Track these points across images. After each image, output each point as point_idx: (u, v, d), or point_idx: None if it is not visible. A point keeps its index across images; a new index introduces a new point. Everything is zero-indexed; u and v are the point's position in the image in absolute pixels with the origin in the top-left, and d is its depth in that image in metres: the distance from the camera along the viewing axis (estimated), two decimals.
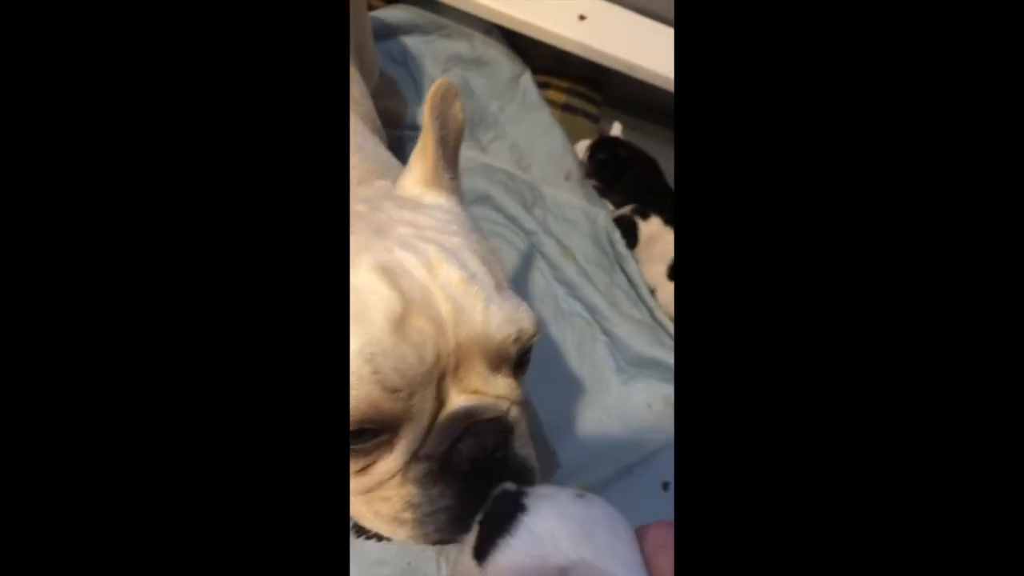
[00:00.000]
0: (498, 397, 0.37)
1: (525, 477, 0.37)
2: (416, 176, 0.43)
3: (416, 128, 1.07)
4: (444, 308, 0.35)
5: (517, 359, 0.38)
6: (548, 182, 1.09)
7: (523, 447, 0.38)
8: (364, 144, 0.58)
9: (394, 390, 0.33)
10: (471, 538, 0.32)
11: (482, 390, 0.36)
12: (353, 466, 0.35)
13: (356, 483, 0.36)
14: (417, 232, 0.38)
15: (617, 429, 0.91)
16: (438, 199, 0.42)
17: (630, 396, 0.94)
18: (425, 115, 0.41)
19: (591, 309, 0.98)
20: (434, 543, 0.36)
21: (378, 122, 0.73)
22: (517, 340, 0.37)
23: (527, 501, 0.31)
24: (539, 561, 0.27)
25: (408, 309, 0.34)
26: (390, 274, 0.35)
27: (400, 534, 0.36)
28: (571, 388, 0.93)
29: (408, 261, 0.36)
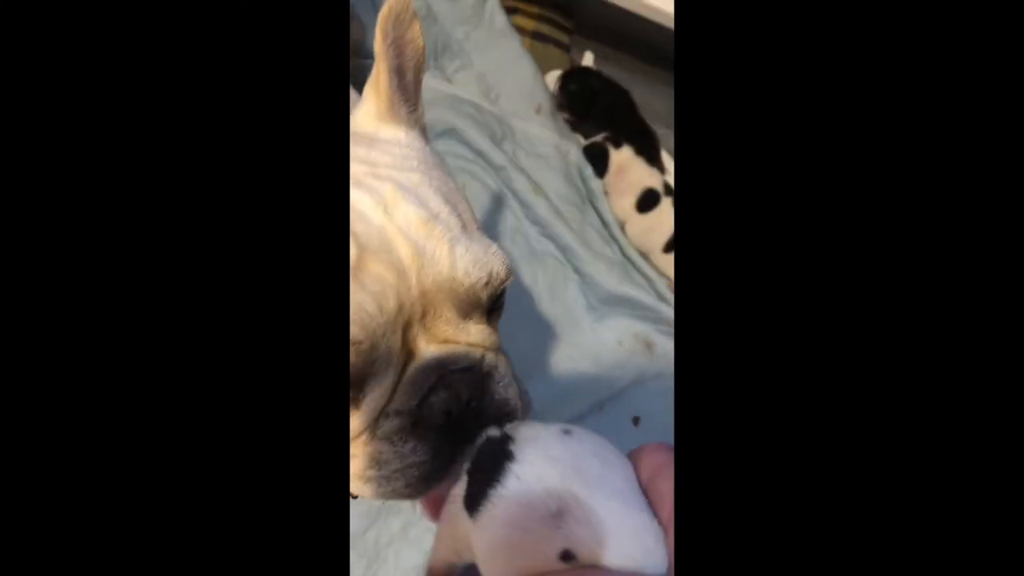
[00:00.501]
0: (471, 344, 0.35)
1: (507, 421, 0.35)
2: (369, 109, 0.39)
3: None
4: (404, 252, 0.32)
5: (489, 304, 0.36)
6: (518, 115, 1.05)
7: (504, 390, 0.36)
8: None
9: (353, 343, 0.30)
10: (460, 489, 0.31)
11: (453, 338, 0.34)
12: None
13: None
14: (371, 170, 0.35)
15: (588, 366, 0.91)
16: (395, 133, 0.39)
17: (601, 334, 0.94)
18: (376, 41, 0.37)
19: (563, 248, 0.97)
20: (403, 499, 0.35)
21: None
22: (488, 284, 0.34)
23: (512, 447, 0.30)
24: (531, 509, 0.27)
25: (363, 255, 0.31)
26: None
27: (366, 492, 0.35)
28: (542, 327, 0.92)
29: (362, 202, 0.33)
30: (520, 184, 0.98)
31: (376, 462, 0.33)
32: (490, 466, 0.29)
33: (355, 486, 0.35)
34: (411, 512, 0.71)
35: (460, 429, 0.33)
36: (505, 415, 0.35)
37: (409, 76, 0.40)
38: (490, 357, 0.36)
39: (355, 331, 0.30)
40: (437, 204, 0.34)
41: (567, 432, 0.30)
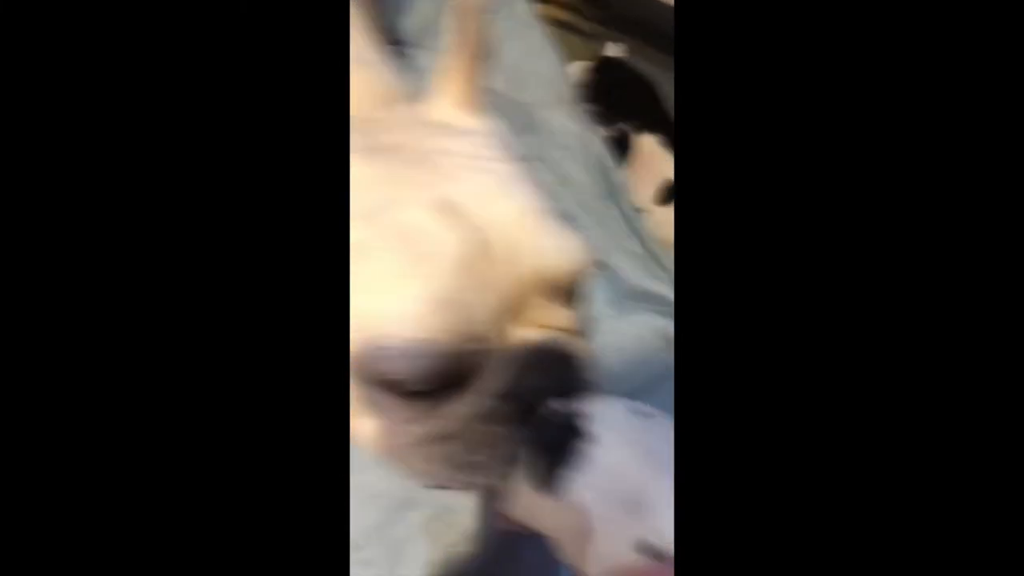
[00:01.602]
0: (560, 329, 0.36)
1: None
2: (446, 99, 0.40)
3: (399, 43, 1.00)
4: (504, 248, 0.33)
5: (575, 290, 0.37)
6: (542, 105, 1.04)
7: (589, 374, 0.38)
8: (373, 59, 0.53)
9: (467, 337, 0.32)
10: (527, 463, 0.32)
11: (545, 323, 0.35)
12: (414, 414, 0.33)
13: (416, 430, 0.34)
14: (463, 162, 0.36)
15: (611, 362, 0.90)
16: (475, 122, 0.40)
17: (624, 329, 0.93)
18: (452, 29, 0.39)
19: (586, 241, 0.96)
20: (497, 484, 0.35)
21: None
22: (571, 271, 0.36)
23: (588, 425, 0.30)
24: (615, 496, 0.27)
25: (470, 254, 0.32)
26: (448, 212, 0.33)
27: (476, 479, 0.35)
28: None
29: (461, 195, 0.34)
30: (544, 175, 0.97)
31: (481, 444, 0.34)
32: (563, 442, 0.29)
33: (461, 477, 0.35)
34: (430, 507, 0.71)
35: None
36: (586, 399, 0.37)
37: (479, 59, 0.41)
38: (576, 341, 0.37)
39: (469, 326, 0.31)
40: (527, 195, 0.36)
41: (643, 413, 0.30)
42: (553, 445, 0.31)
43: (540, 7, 1.11)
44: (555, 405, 0.34)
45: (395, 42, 1.02)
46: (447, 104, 0.40)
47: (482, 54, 0.41)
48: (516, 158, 0.39)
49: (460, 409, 0.34)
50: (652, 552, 0.25)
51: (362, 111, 0.43)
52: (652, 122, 1.07)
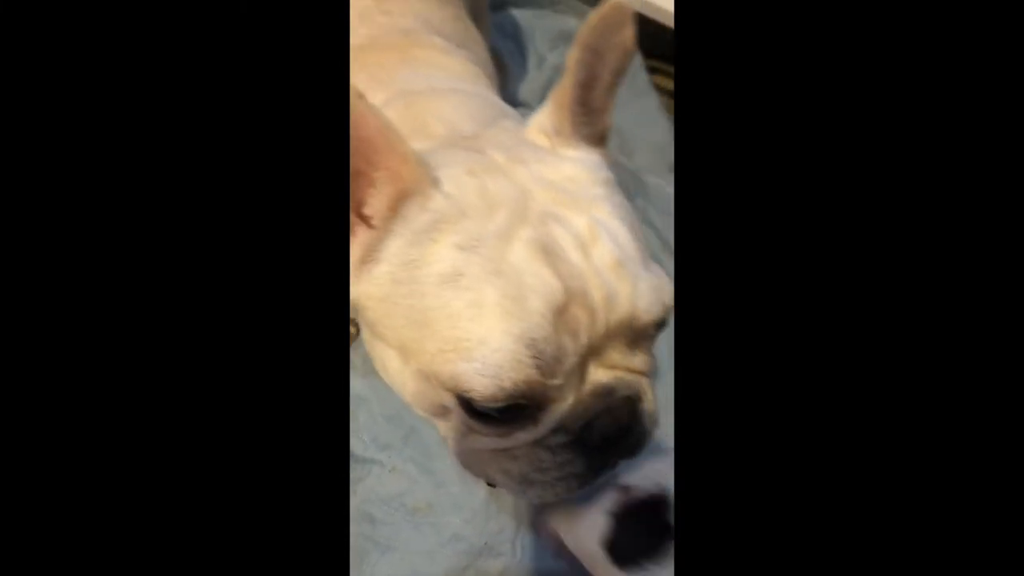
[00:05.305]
0: (634, 371, 0.37)
1: (639, 450, 0.38)
2: (548, 123, 0.40)
3: (522, 105, 1.05)
4: (598, 295, 0.34)
5: (656, 334, 0.38)
6: (651, 171, 1.06)
7: (650, 423, 0.39)
8: (487, 95, 0.56)
9: (551, 376, 0.33)
10: (598, 530, 0.33)
11: (620, 364, 0.36)
12: (491, 432, 0.36)
13: (488, 442, 0.37)
14: (566, 198, 0.37)
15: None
16: (577, 153, 0.40)
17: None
18: (573, 50, 0.37)
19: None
20: (551, 500, 0.38)
21: (494, 77, 0.72)
22: (659, 318, 0.37)
23: (672, 519, 0.30)
24: None
25: (569, 298, 0.34)
26: (549, 255, 0.34)
27: (529, 494, 0.37)
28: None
29: (563, 238, 0.35)
30: (650, 240, 0.98)
31: (539, 468, 0.37)
32: (650, 532, 0.30)
33: (516, 488, 0.38)
34: (510, 556, 0.71)
35: (612, 449, 0.37)
36: (640, 446, 0.39)
37: (602, 84, 0.40)
38: (645, 385, 0.39)
39: (554, 366, 0.33)
40: (625, 239, 0.37)
41: None
42: (636, 525, 0.32)
43: (659, 77, 1.15)
44: (646, 485, 0.35)
45: (519, 104, 1.08)
46: (548, 129, 0.41)
47: (606, 75, 0.39)
48: (615, 190, 0.40)
49: (528, 436, 0.36)
50: None
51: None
52: None
